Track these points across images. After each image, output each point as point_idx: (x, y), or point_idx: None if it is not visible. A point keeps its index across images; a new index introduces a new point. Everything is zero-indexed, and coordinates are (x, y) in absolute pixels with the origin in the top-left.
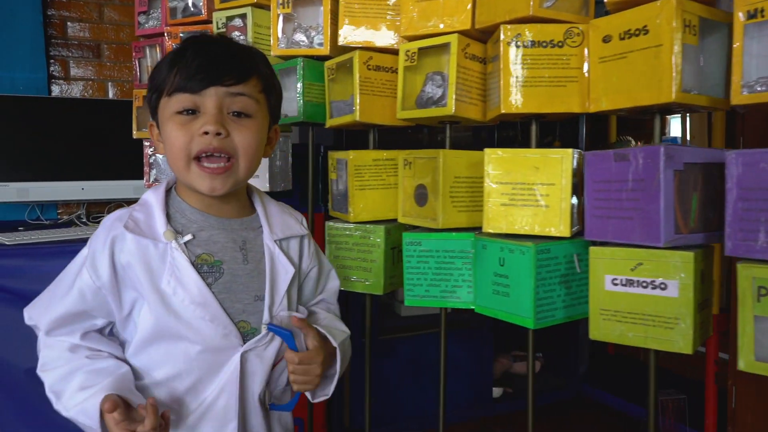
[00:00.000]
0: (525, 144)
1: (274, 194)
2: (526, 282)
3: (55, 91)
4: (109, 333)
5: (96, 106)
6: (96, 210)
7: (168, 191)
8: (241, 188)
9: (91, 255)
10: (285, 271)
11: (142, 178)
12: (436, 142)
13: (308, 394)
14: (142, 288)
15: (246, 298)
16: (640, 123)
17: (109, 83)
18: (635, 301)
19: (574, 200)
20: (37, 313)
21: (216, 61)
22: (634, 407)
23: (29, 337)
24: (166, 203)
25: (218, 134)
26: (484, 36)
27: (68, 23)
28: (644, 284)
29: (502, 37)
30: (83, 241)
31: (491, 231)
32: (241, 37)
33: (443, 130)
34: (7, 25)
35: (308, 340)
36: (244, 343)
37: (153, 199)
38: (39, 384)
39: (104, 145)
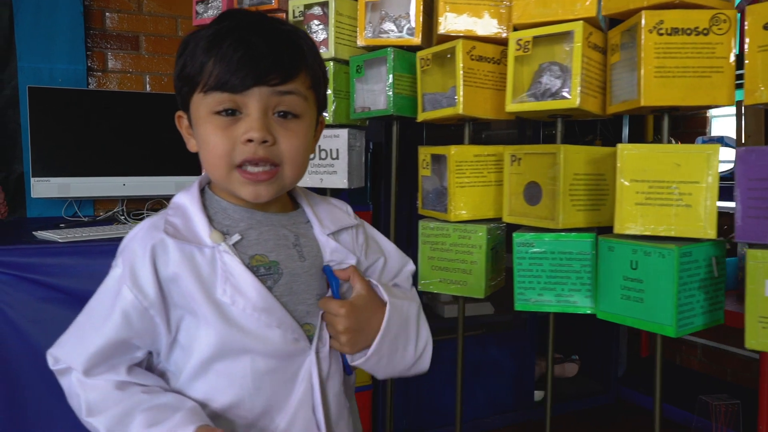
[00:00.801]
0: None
1: (335, 192)
2: (666, 287)
3: (92, 83)
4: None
5: (136, 99)
6: (135, 207)
7: (202, 191)
8: None
9: (129, 272)
10: (349, 261)
11: (184, 174)
12: (480, 139)
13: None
14: (194, 302)
15: (309, 298)
16: (677, 122)
17: (147, 76)
18: None
19: None
20: (67, 353)
21: (258, 56)
22: (677, 411)
23: None
24: (203, 204)
25: (264, 142)
26: (601, 24)
27: (107, 14)
28: None
29: (643, 23)
30: None
31: (623, 232)
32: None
33: (487, 126)
34: (48, 15)
35: (353, 289)
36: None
37: (187, 200)
38: None
39: (145, 139)
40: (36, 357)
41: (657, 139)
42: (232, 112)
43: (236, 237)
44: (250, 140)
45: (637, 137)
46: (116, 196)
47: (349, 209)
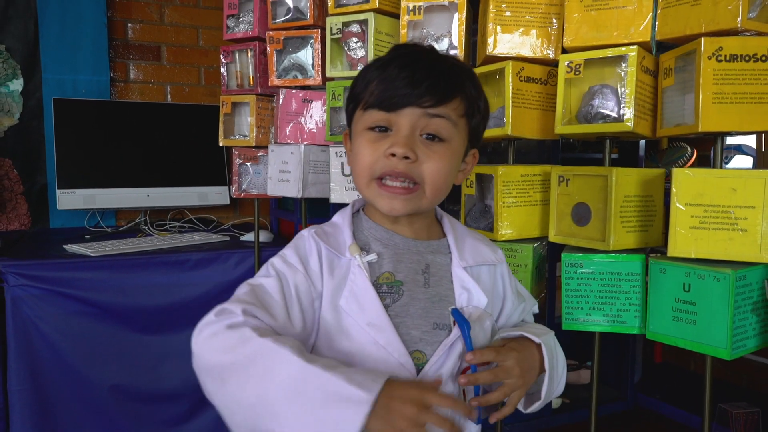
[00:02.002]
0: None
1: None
2: (720, 310)
3: (114, 94)
4: None
5: (159, 109)
6: (157, 217)
7: (356, 212)
8: (430, 212)
9: (297, 256)
10: (479, 300)
11: (206, 184)
12: (500, 148)
13: (520, 405)
14: (324, 301)
15: (424, 324)
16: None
17: (168, 86)
18: None
19: None
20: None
21: (419, 78)
22: (696, 419)
23: (114, 353)
24: (353, 223)
25: (406, 158)
26: (651, 47)
27: (129, 25)
28: None
29: (702, 50)
30: (168, 252)
31: (678, 255)
32: (453, 52)
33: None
34: (72, 27)
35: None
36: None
37: (340, 218)
38: (124, 401)
39: (168, 149)
40: (68, 371)
41: (672, 146)
42: (384, 129)
43: (372, 256)
44: (392, 154)
45: (652, 145)
46: (140, 207)
47: (498, 249)
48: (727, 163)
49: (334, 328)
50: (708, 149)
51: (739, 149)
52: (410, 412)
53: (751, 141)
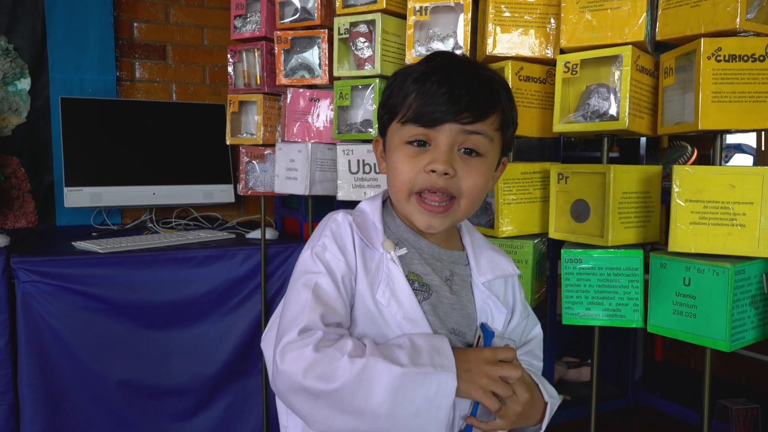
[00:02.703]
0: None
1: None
2: (719, 303)
3: (120, 93)
4: None
5: (165, 108)
6: (162, 215)
7: (384, 202)
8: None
9: (335, 244)
10: (498, 314)
11: (212, 182)
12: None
13: None
14: (360, 293)
15: (443, 327)
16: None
17: (173, 85)
18: None
19: None
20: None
21: (457, 95)
22: (696, 415)
23: (122, 348)
24: (382, 215)
25: (445, 174)
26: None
27: (135, 24)
28: None
29: (702, 50)
30: (176, 249)
31: (678, 250)
32: (458, 52)
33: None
34: (79, 27)
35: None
36: None
37: (369, 208)
38: (132, 396)
39: (173, 148)
40: (77, 366)
41: (673, 145)
42: (422, 143)
43: (404, 250)
44: (433, 171)
45: (652, 144)
46: (146, 204)
47: (510, 258)
48: (727, 161)
49: (371, 318)
50: (708, 148)
51: (739, 148)
52: (488, 370)
53: (750, 140)
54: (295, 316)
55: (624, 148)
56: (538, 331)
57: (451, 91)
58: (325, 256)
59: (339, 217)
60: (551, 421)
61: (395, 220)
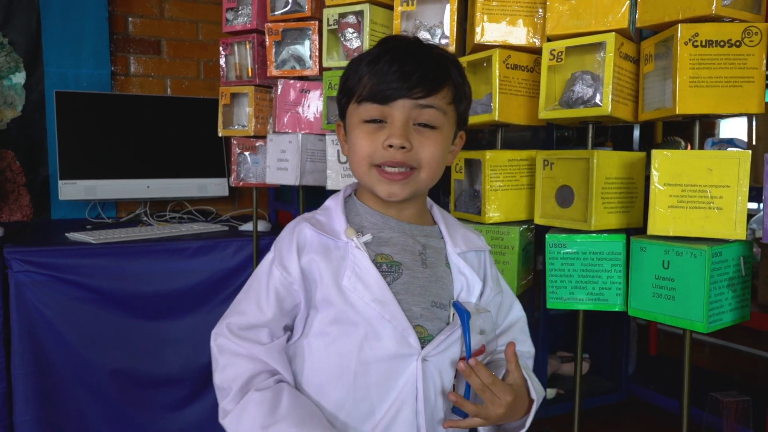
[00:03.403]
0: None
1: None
2: (697, 285)
3: (115, 87)
4: None
5: (159, 102)
6: (157, 208)
7: (348, 197)
8: (421, 197)
9: (278, 256)
10: (474, 284)
11: (206, 176)
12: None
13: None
14: (324, 285)
15: (423, 302)
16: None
17: (168, 79)
18: None
19: None
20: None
21: (408, 71)
22: (690, 409)
23: (115, 338)
24: (346, 207)
25: (402, 147)
26: (631, 35)
27: (129, 19)
28: None
29: (679, 35)
30: (168, 240)
31: (657, 233)
32: (444, 41)
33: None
34: (74, 21)
35: (509, 376)
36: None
37: (332, 204)
38: (125, 385)
39: (168, 142)
40: (70, 355)
41: (667, 140)
42: (379, 121)
43: (368, 237)
44: (390, 146)
45: (647, 139)
46: (140, 198)
47: (480, 235)
48: None
49: (340, 304)
50: (701, 142)
51: (732, 142)
52: None
53: (742, 134)
54: (240, 310)
55: (618, 142)
56: (519, 314)
57: (402, 69)
58: (272, 270)
59: (283, 233)
60: (544, 414)
61: (360, 208)
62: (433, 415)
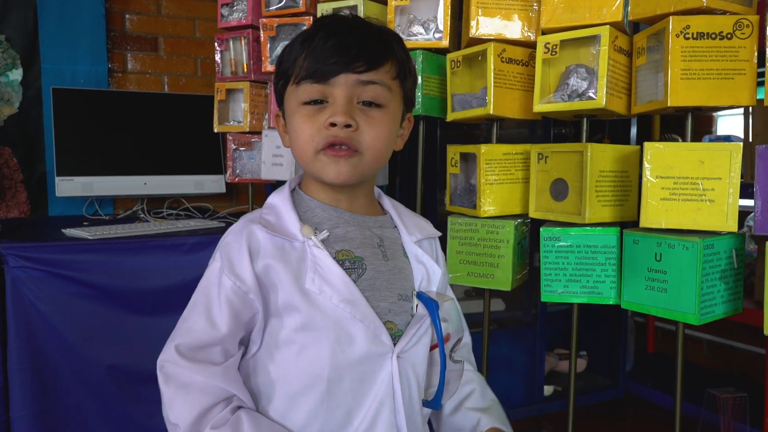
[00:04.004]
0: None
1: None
2: (689, 278)
3: (112, 84)
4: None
5: (156, 99)
6: (154, 205)
7: (293, 191)
8: (369, 185)
9: (227, 263)
10: (434, 272)
11: (203, 173)
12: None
13: None
14: (285, 289)
15: (390, 296)
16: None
17: (165, 76)
18: None
19: None
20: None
21: (347, 45)
22: (685, 405)
23: (111, 334)
24: (293, 203)
25: (347, 126)
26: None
27: (126, 16)
28: None
29: (670, 28)
30: (165, 236)
31: (649, 226)
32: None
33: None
34: (71, 18)
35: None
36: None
37: (278, 200)
38: (121, 380)
39: (165, 138)
40: (66, 351)
41: (665, 137)
42: (320, 102)
43: (325, 233)
44: (333, 124)
45: (644, 136)
46: (137, 194)
47: (428, 221)
48: None
49: (305, 309)
50: (699, 139)
51: (729, 139)
52: None
53: (739, 131)
54: (188, 328)
55: (615, 139)
56: (467, 339)
57: (340, 42)
58: (222, 279)
59: (228, 238)
60: (541, 412)
61: (310, 203)
62: (412, 412)
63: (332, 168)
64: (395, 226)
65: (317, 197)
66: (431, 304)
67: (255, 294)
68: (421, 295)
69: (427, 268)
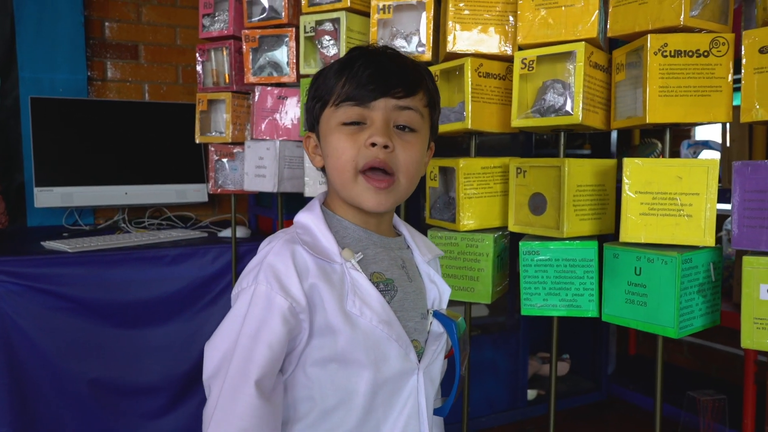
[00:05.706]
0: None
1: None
2: (668, 292)
3: (92, 92)
4: None
5: (136, 108)
6: (135, 215)
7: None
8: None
9: (277, 284)
10: (444, 291)
11: (184, 182)
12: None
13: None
14: (328, 311)
15: (415, 316)
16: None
17: (146, 84)
18: None
19: None
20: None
21: (386, 72)
22: (666, 407)
23: (92, 347)
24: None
25: (385, 147)
26: (602, 44)
27: (106, 24)
28: None
29: (648, 46)
30: (146, 248)
31: (629, 241)
32: (403, 49)
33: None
34: (49, 26)
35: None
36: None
37: (311, 220)
38: (103, 394)
39: (145, 148)
40: (47, 366)
41: (644, 143)
42: (359, 123)
43: (360, 255)
44: (373, 144)
45: (624, 141)
46: (118, 204)
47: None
48: (696, 157)
49: (350, 330)
50: (677, 145)
51: (707, 144)
52: None
53: (717, 136)
54: (243, 367)
55: (596, 145)
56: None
57: (379, 70)
58: (274, 301)
59: (270, 258)
60: (524, 416)
61: (341, 223)
62: (432, 425)
63: (372, 196)
64: (408, 246)
65: (347, 217)
66: (450, 324)
67: (305, 314)
68: (437, 314)
69: (439, 287)
